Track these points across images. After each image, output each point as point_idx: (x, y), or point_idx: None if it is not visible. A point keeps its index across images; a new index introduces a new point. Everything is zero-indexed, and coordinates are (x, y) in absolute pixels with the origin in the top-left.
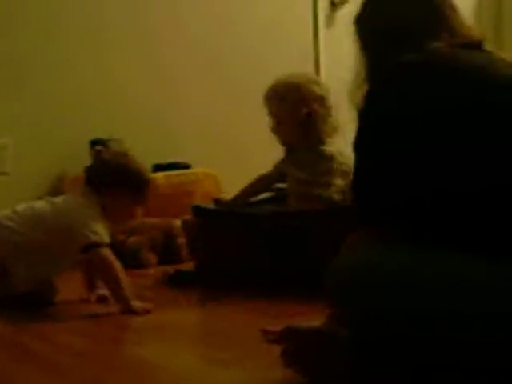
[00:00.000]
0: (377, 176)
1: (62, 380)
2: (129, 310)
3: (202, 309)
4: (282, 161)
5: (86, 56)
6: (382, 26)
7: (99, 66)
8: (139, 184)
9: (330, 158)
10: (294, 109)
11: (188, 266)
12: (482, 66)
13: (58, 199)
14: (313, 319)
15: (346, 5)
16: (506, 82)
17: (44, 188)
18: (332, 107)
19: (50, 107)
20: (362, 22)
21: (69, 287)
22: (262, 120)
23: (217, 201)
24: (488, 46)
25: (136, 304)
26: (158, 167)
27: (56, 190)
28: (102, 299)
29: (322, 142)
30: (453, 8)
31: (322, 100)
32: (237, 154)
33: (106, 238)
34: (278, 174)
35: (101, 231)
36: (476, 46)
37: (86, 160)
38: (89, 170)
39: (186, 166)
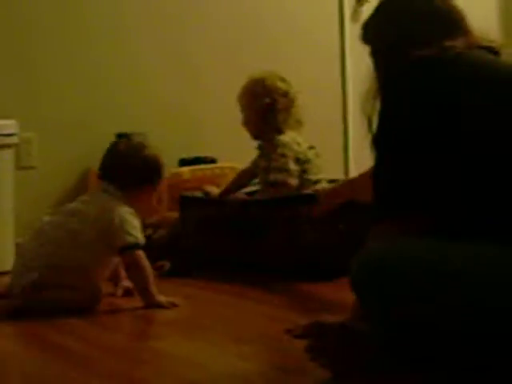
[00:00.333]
0: (398, 169)
1: (89, 373)
2: (155, 305)
3: (220, 302)
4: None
5: (111, 50)
6: (394, 39)
7: (125, 60)
8: (160, 175)
9: (283, 145)
10: (257, 100)
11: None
12: (494, 61)
13: (85, 205)
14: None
15: (372, 0)
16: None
17: (70, 181)
18: (295, 101)
19: (75, 101)
20: (374, 36)
21: None
22: None
23: (206, 194)
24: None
25: (162, 299)
26: (184, 161)
27: (82, 184)
28: (127, 292)
29: (280, 132)
30: (463, 14)
31: (284, 93)
32: None
33: (141, 237)
34: (255, 167)
35: (135, 231)
36: (490, 49)
37: None
38: (107, 165)
39: (212, 161)
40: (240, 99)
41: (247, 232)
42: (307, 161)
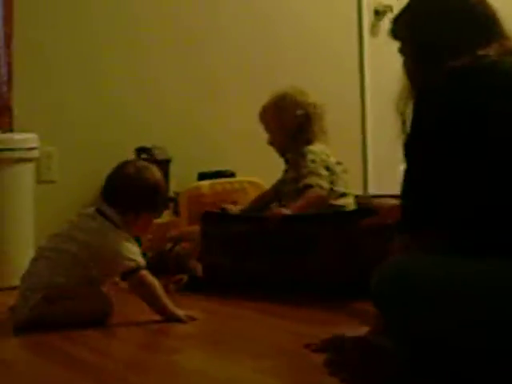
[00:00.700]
0: (428, 182)
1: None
2: (173, 317)
3: (241, 317)
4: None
5: (132, 66)
6: (433, 40)
7: (145, 76)
8: (152, 202)
9: (312, 153)
10: (288, 113)
11: None
12: None
13: (81, 232)
14: (354, 327)
15: (390, 13)
16: None
17: (89, 196)
18: (323, 112)
19: (95, 116)
20: (405, 33)
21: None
22: None
23: (223, 210)
24: None
25: (180, 312)
26: (203, 175)
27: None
28: None
29: (310, 143)
30: (498, 15)
31: (313, 104)
32: (281, 163)
33: (141, 260)
34: (275, 190)
35: (134, 255)
36: None
37: None
38: (110, 186)
39: (231, 174)
40: (265, 116)
41: (290, 248)
42: (334, 173)
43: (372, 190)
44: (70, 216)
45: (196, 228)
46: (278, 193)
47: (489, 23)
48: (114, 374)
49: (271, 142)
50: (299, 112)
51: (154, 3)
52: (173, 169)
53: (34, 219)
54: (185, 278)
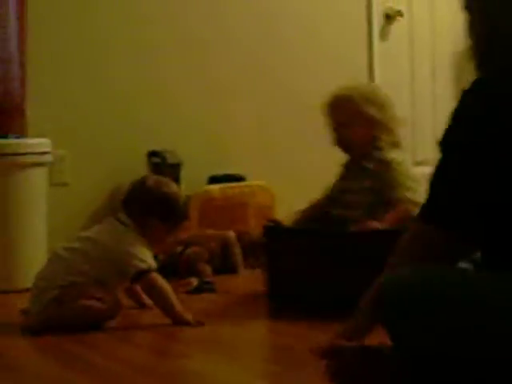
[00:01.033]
0: (458, 177)
1: None
2: (182, 321)
3: (250, 322)
4: (338, 181)
5: (143, 72)
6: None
7: (156, 81)
8: (170, 215)
9: (399, 163)
10: (382, 109)
11: (240, 276)
12: None
13: (96, 234)
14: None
15: (400, 18)
16: None
17: (101, 198)
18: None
19: (107, 120)
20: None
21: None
22: (317, 133)
23: (274, 222)
24: None
25: (189, 316)
26: (214, 179)
27: (113, 200)
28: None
29: (382, 149)
30: None
31: (388, 106)
32: (291, 167)
33: (153, 263)
34: (330, 199)
35: (146, 257)
36: None
37: (143, 171)
38: (127, 196)
39: (241, 178)
40: (346, 108)
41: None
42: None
43: None
44: (83, 219)
45: (205, 232)
46: (335, 202)
47: None
48: (122, 378)
49: (343, 141)
50: (390, 111)
51: (164, 8)
52: (183, 172)
53: (46, 222)
54: (195, 281)
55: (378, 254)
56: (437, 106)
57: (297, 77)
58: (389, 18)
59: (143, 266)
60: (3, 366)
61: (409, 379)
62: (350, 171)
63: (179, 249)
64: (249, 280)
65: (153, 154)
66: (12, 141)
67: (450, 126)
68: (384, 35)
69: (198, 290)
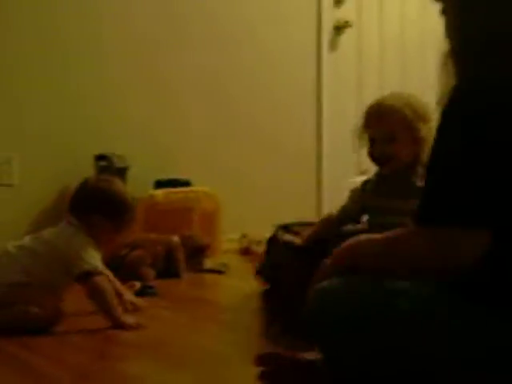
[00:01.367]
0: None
1: None
2: (120, 325)
3: (191, 326)
4: (364, 194)
5: (92, 75)
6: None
7: (104, 85)
8: (115, 211)
9: None
10: (427, 125)
11: (183, 281)
12: None
13: (46, 233)
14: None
15: (349, 29)
16: None
17: (49, 200)
18: None
19: (55, 122)
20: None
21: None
22: (261, 141)
23: (288, 243)
24: None
25: (128, 319)
26: (159, 183)
27: (60, 202)
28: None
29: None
30: None
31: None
32: (237, 174)
33: (99, 265)
34: (360, 209)
35: (92, 259)
36: None
37: (91, 174)
38: (72, 198)
39: (187, 183)
40: (394, 119)
41: None
42: None
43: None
44: (29, 220)
45: (150, 236)
46: (375, 224)
47: None
48: (61, 381)
49: (385, 155)
50: (433, 126)
51: (113, 9)
52: (130, 176)
53: None
54: (137, 284)
55: None
56: None
57: (244, 85)
58: (338, 29)
59: (87, 267)
60: None
61: None
62: (390, 189)
63: (123, 252)
64: (191, 284)
65: (100, 157)
66: None
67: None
68: (333, 46)
69: (140, 293)
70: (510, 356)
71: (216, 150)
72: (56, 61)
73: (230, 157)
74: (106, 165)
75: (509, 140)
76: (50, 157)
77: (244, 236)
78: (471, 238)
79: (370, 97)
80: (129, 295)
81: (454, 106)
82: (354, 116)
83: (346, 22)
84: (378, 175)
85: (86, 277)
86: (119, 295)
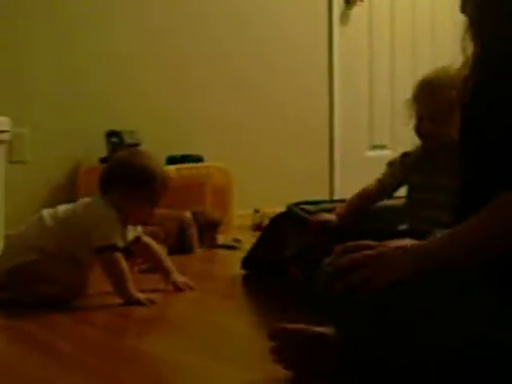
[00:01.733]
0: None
1: (65, 369)
2: (133, 302)
3: (203, 302)
4: (403, 169)
5: (103, 51)
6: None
7: (115, 60)
8: (140, 181)
9: None
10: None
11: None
12: None
13: (78, 204)
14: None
15: (360, 3)
16: None
17: (60, 177)
18: None
19: (67, 98)
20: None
21: None
22: (273, 116)
23: (324, 223)
24: None
25: (141, 295)
26: (172, 159)
27: (71, 179)
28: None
29: None
30: None
31: None
32: (250, 149)
33: (116, 241)
34: (399, 183)
35: (111, 234)
36: None
37: (101, 151)
38: (102, 172)
39: (199, 159)
40: (436, 102)
41: None
42: None
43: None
44: (42, 196)
45: (162, 212)
46: (419, 201)
47: None
48: (74, 358)
49: (432, 133)
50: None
51: None
52: None
53: (5, 200)
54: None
55: None
56: (395, 89)
57: (256, 60)
58: (349, 3)
59: (106, 242)
60: None
61: (351, 365)
62: (434, 166)
63: None
64: (204, 260)
65: (112, 133)
66: None
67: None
68: (344, 20)
69: (152, 269)
70: None
71: (228, 126)
72: (66, 37)
73: (243, 132)
74: (118, 141)
75: None
76: (62, 133)
77: (256, 211)
78: None
79: (381, 72)
80: (177, 275)
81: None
82: (366, 91)
83: None
84: (422, 151)
85: (103, 251)
86: (167, 274)
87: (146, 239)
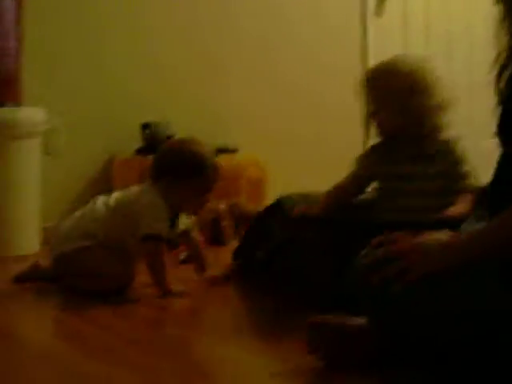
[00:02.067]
0: None
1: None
2: (169, 294)
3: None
4: (373, 161)
5: (136, 42)
6: None
7: (148, 53)
8: (189, 172)
9: (461, 145)
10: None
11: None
12: None
13: (129, 192)
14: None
15: None
16: None
17: (95, 169)
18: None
19: (102, 90)
20: None
21: None
22: (309, 111)
23: (304, 214)
24: None
25: (178, 288)
26: None
27: (106, 171)
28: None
29: (439, 129)
30: None
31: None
32: (284, 142)
33: (162, 231)
34: (370, 175)
35: (157, 223)
36: None
37: (136, 143)
38: (153, 159)
39: (234, 151)
40: (372, 86)
41: None
42: None
43: None
44: (76, 188)
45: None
46: (391, 190)
47: None
48: (114, 349)
49: (393, 124)
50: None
51: None
52: None
53: (40, 191)
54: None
55: None
56: None
57: (292, 51)
58: None
59: (151, 230)
60: None
61: (387, 358)
62: (397, 155)
63: None
64: None
65: (146, 125)
66: (7, 110)
67: None
68: (378, 12)
69: (187, 261)
70: None
71: (264, 118)
72: (103, 31)
73: (278, 125)
74: (152, 133)
75: None
76: (97, 125)
77: None
78: None
79: None
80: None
81: None
82: None
83: None
84: (383, 142)
85: (147, 239)
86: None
87: (195, 235)
